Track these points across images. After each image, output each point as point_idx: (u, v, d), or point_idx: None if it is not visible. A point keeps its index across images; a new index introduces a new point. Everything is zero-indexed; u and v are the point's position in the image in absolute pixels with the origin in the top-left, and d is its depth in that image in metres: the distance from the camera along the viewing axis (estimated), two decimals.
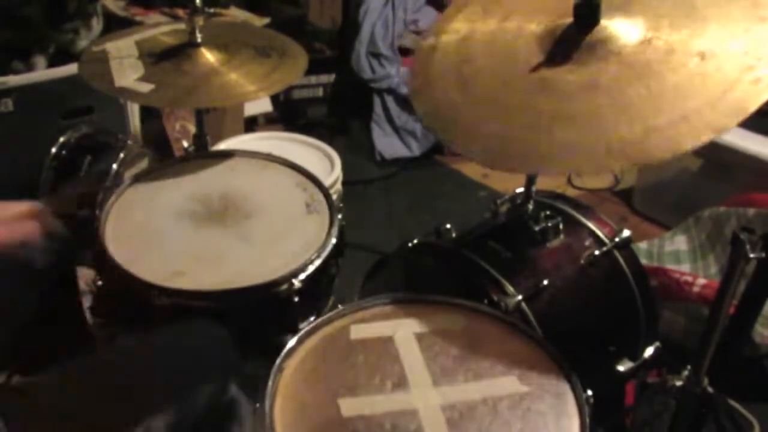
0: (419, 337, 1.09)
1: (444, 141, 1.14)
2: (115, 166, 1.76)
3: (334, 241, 1.30)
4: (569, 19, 1.13)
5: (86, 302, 1.38)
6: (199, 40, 1.48)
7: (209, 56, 1.47)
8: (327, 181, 1.60)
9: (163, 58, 1.48)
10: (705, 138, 0.93)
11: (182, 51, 1.49)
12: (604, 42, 1.10)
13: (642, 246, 2.16)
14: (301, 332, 1.09)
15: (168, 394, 1.01)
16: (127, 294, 1.21)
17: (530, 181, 1.40)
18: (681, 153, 0.93)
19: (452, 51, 1.22)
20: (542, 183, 1.42)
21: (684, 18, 1.07)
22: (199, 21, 1.48)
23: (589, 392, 1.01)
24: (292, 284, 1.21)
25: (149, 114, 2.42)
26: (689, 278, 1.89)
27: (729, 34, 1.02)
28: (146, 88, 1.40)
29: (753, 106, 0.93)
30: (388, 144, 2.96)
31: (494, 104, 1.13)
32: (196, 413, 1.03)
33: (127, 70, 1.44)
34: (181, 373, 1.05)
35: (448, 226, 1.43)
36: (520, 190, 1.43)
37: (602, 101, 1.03)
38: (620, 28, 1.10)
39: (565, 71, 1.10)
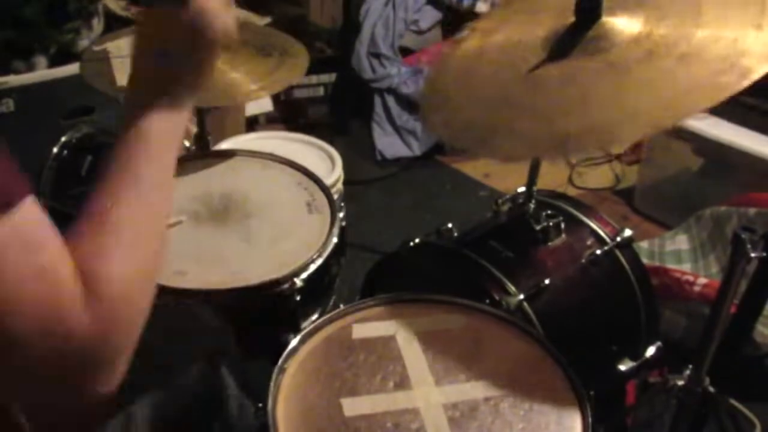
0: (421, 337, 1.09)
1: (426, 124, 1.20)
2: None
3: (335, 240, 1.30)
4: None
5: None
6: None
7: None
8: (328, 181, 1.60)
9: None
10: (638, 135, 0.97)
11: None
12: (598, 39, 1.10)
13: (643, 245, 2.16)
14: (303, 332, 1.09)
15: (152, 378, 0.99)
16: None
17: (531, 181, 1.40)
18: (610, 146, 0.99)
19: (471, 52, 1.25)
20: (543, 182, 1.42)
21: (684, 17, 1.06)
22: None
23: (591, 392, 1.01)
24: (294, 284, 1.21)
25: None
26: (690, 278, 1.89)
27: (718, 38, 1.02)
28: None
29: (704, 106, 0.96)
30: (388, 144, 2.96)
31: (481, 96, 1.16)
32: (182, 398, 1.01)
33: (128, 69, 1.44)
34: (166, 357, 1.04)
35: (450, 225, 1.43)
36: (522, 189, 1.43)
37: (571, 93, 1.06)
38: (618, 26, 1.09)
39: (553, 67, 1.11)
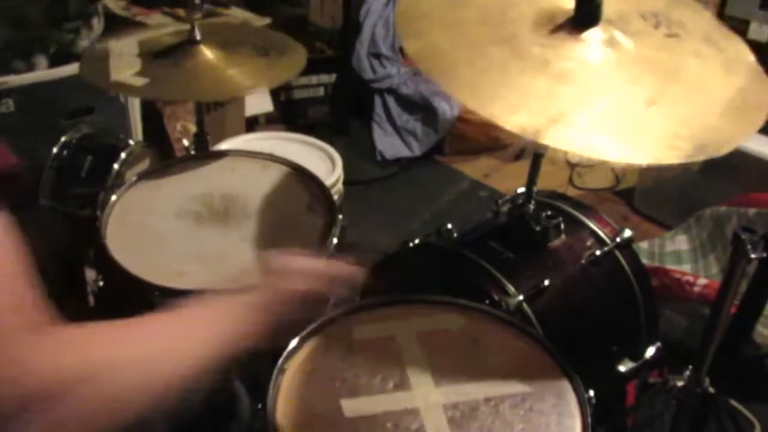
0: (421, 337, 1.09)
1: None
2: (116, 166, 1.76)
3: (335, 241, 1.30)
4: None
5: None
6: (198, 37, 1.48)
7: (208, 53, 1.47)
8: (328, 181, 1.60)
9: (162, 56, 1.48)
10: (578, 147, 0.99)
11: (181, 48, 1.49)
12: (586, 42, 1.10)
13: (643, 246, 2.16)
14: (303, 333, 1.09)
15: None
16: (129, 294, 1.21)
17: (531, 181, 1.40)
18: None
19: None
20: (543, 183, 1.42)
21: (663, 76, 1.09)
22: (198, 18, 1.48)
23: (591, 392, 1.01)
24: None
25: (150, 114, 2.42)
26: (690, 278, 1.89)
27: (682, 111, 1.04)
28: (140, 82, 1.39)
29: (655, 161, 0.99)
30: (388, 144, 2.96)
31: (460, 33, 1.15)
32: (195, 407, 1.02)
33: (125, 66, 1.44)
34: None
35: (449, 226, 1.43)
36: (522, 190, 1.43)
37: (538, 76, 1.06)
38: (607, 41, 1.10)
39: (536, 42, 1.11)
